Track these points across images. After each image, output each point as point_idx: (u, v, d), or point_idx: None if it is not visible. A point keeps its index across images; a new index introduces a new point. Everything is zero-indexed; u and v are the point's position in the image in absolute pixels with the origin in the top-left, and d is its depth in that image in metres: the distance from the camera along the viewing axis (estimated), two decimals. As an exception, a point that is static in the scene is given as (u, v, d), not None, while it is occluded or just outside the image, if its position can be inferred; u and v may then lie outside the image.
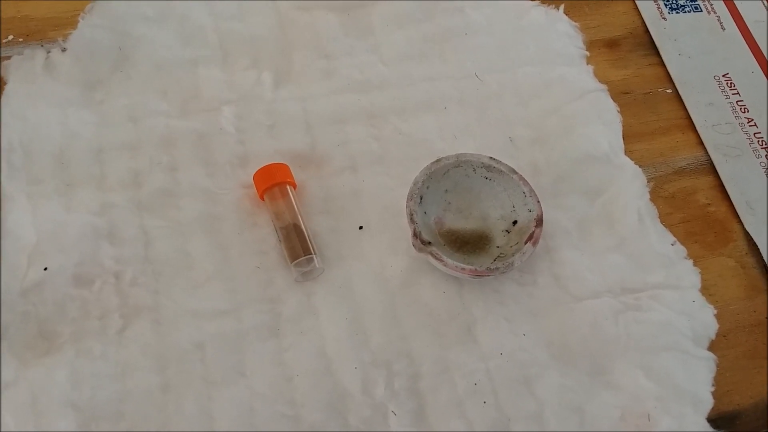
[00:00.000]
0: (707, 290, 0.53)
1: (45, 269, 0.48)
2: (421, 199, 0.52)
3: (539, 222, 0.52)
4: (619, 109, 0.60)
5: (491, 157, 0.54)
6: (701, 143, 0.60)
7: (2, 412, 0.44)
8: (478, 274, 0.49)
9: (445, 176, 0.53)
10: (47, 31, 0.60)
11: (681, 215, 0.57)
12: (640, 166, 0.57)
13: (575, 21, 0.65)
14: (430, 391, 0.47)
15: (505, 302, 0.51)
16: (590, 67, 0.63)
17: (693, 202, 0.57)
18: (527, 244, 0.51)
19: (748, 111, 0.62)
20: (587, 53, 0.64)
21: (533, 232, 0.51)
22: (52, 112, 0.55)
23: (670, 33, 0.66)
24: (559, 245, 0.54)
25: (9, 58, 0.57)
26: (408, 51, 0.62)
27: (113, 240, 0.51)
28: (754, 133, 0.61)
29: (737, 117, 0.61)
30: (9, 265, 0.49)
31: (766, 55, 0.65)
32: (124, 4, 0.60)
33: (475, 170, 0.54)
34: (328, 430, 0.46)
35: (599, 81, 0.62)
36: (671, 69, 0.64)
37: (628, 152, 0.58)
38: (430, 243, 0.50)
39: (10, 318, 0.47)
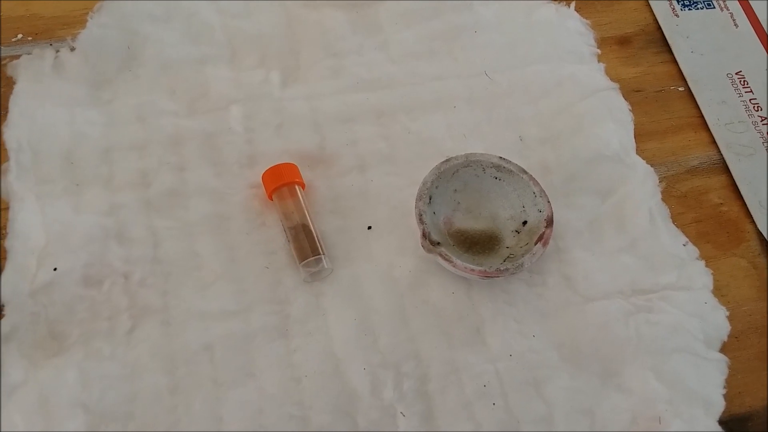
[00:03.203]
0: (719, 291, 0.53)
1: (54, 270, 0.49)
2: (430, 199, 0.52)
3: (549, 222, 0.51)
4: (630, 107, 0.60)
5: (501, 157, 0.53)
6: (714, 142, 0.60)
7: (12, 413, 0.44)
8: (487, 275, 0.49)
9: (455, 176, 0.53)
10: (56, 30, 0.60)
11: (693, 215, 0.56)
12: (651, 166, 0.57)
13: (586, 18, 0.65)
14: (439, 392, 0.47)
15: (514, 303, 0.51)
16: (601, 65, 0.62)
17: (705, 201, 0.57)
18: (537, 245, 0.50)
19: (761, 109, 0.61)
20: (598, 51, 0.63)
21: (543, 232, 0.51)
22: (60, 111, 0.55)
23: (682, 30, 0.65)
24: (570, 246, 0.53)
25: (18, 57, 0.57)
26: (416, 49, 0.61)
27: (122, 240, 0.51)
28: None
29: (750, 115, 0.61)
30: (18, 266, 0.49)
31: (780, 52, 0.64)
32: (132, 3, 0.60)
33: (484, 170, 0.53)
34: (336, 432, 0.46)
35: (611, 79, 0.61)
36: (683, 67, 0.63)
37: (639, 151, 0.58)
38: (439, 243, 0.50)
39: (20, 319, 0.47)
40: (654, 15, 0.66)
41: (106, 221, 0.51)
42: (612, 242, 0.53)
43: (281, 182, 0.52)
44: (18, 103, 0.55)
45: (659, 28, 0.65)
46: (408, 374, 0.48)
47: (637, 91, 0.61)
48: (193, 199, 0.53)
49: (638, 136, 0.59)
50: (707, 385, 0.49)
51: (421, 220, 0.50)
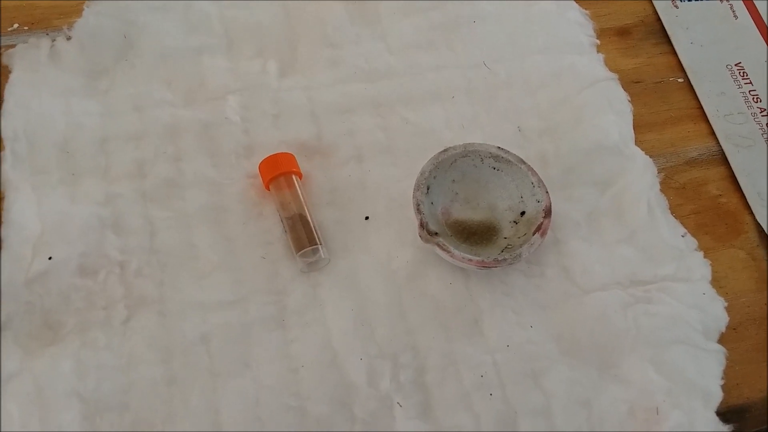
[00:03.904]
0: (718, 282, 0.52)
1: (50, 259, 0.48)
2: (428, 189, 0.51)
3: (548, 213, 0.51)
4: (629, 98, 0.60)
5: (499, 147, 0.53)
6: (713, 133, 0.59)
7: (7, 403, 0.44)
8: (485, 266, 0.49)
9: (453, 166, 0.53)
10: (52, 19, 0.59)
11: (692, 206, 0.56)
12: (650, 157, 0.57)
13: (586, 9, 0.64)
14: (436, 383, 0.47)
15: (512, 294, 0.50)
16: (601, 56, 0.62)
17: (704, 193, 0.57)
18: (535, 235, 0.50)
19: (760, 101, 0.61)
20: (598, 41, 0.63)
21: (541, 222, 0.51)
22: (56, 101, 0.55)
23: (682, 21, 0.65)
24: (568, 236, 0.53)
25: (14, 46, 0.57)
26: (415, 39, 0.61)
27: (118, 230, 0.50)
28: (767, 123, 0.60)
29: (749, 107, 0.60)
30: (14, 255, 0.48)
31: (779, 44, 0.64)
32: (128, -7, 0.60)
33: (482, 160, 0.53)
34: (333, 423, 0.45)
35: (610, 70, 0.61)
36: (683, 58, 0.63)
37: (638, 142, 0.58)
38: (436, 234, 0.49)
39: (15, 308, 0.47)
40: (653, 6, 0.66)
41: (102, 211, 0.51)
42: (610, 233, 0.53)
43: (278, 172, 0.52)
44: (14, 92, 0.55)
45: (659, 19, 0.65)
46: (405, 365, 0.48)
47: (636, 83, 0.61)
48: (189, 189, 0.53)
49: (637, 127, 0.58)
50: (706, 376, 0.48)
51: (418, 210, 0.50)
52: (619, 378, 0.48)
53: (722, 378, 0.49)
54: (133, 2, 0.60)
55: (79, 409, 0.44)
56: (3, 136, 0.53)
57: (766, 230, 0.55)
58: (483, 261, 0.49)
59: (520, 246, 0.50)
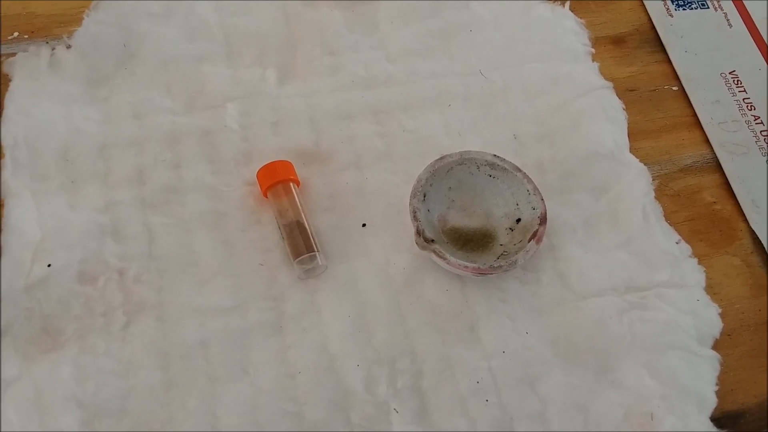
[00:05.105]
0: (712, 289, 0.53)
1: (49, 266, 0.49)
2: (424, 196, 0.52)
3: (543, 220, 0.51)
4: (624, 106, 0.60)
5: (495, 155, 0.54)
6: (707, 141, 0.60)
7: (6, 408, 0.44)
8: (481, 272, 0.49)
9: (449, 174, 0.53)
10: (52, 27, 0.60)
11: (686, 213, 0.56)
12: (645, 164, 0.57)
13: (581, 18, 0.65)
14: (433, 389, 0.47)
15: (508, 300, 0.51)
16: (596, 64, 0.62)
17: (698, 200, 0.57)
18: (531, 242, 0.50)
19: (754, 108, 0.61)
20: (593, 50, 0.63)
21: (537, 230, 0.51)
22: (56, 108, 0.55)
23: (676, 30, 0.65)
24: (564, 243, 0.53)
25: (14, 55, 0.57)
26: (413, 47, 0.62)
27: (117, 237, 0.51)
28: (761, 131, 0.60)
29: (744, 114, 0.61)
30: (13, 262, 0.49)
31: (773, 52, 0.65)
32: (129, 1, 0.60)
33: (479, 168, 0.54)
34: (330, 428, 0.46)
35: (605, 78, 0.61)
36: (677, 66, 0.63)
37: (633, 150, 0.58)
38: (433, 241, 0.50)
39: (15, 314, 0.47)
40: (648, 15, 0.66)
41: (102, 218, 0.51)
42: (606, 240, 0.54)
43: (275, 180, 0.52)
44: (14, 99, 0.55)
45: (653, 27, 0.66)
46: (402, 370, 0.48)
47: (631, 91, 0.62)
48: (189, 195, 0.53)
49: (632, 134, 0.59)
50: (700, 382, 0.49)
51: (415, 218, 0.50)
52: (615, 383, 0.48)
53: (716, 384, 0.49)
54: (133, 10, 0.60)
55: (78, 415, 0.45)
56: (3, 143, 0.53)
57: (760, 237, 0.55)
58: (479, 268, 0.49)
59: (516, 253, 0.50)
